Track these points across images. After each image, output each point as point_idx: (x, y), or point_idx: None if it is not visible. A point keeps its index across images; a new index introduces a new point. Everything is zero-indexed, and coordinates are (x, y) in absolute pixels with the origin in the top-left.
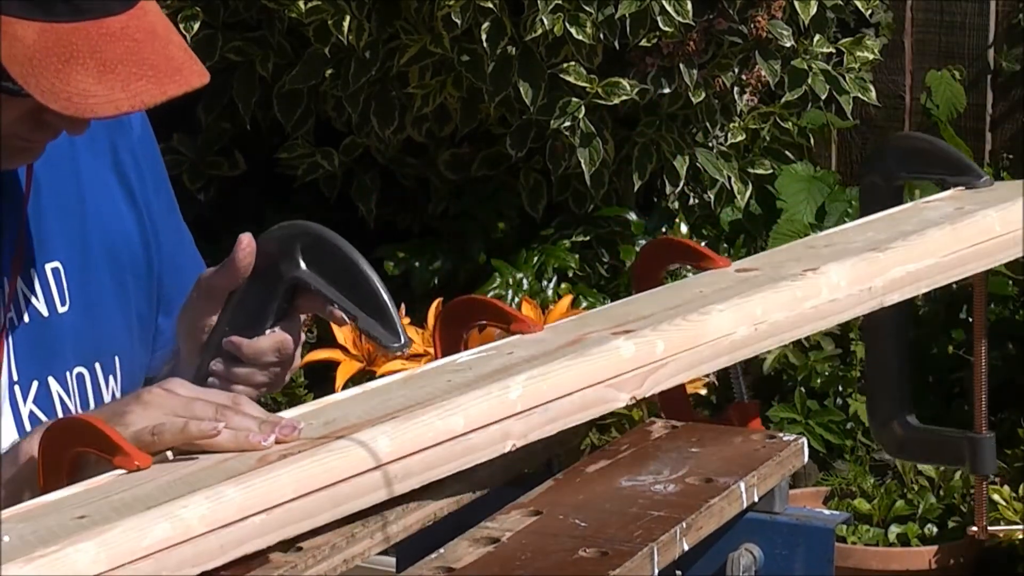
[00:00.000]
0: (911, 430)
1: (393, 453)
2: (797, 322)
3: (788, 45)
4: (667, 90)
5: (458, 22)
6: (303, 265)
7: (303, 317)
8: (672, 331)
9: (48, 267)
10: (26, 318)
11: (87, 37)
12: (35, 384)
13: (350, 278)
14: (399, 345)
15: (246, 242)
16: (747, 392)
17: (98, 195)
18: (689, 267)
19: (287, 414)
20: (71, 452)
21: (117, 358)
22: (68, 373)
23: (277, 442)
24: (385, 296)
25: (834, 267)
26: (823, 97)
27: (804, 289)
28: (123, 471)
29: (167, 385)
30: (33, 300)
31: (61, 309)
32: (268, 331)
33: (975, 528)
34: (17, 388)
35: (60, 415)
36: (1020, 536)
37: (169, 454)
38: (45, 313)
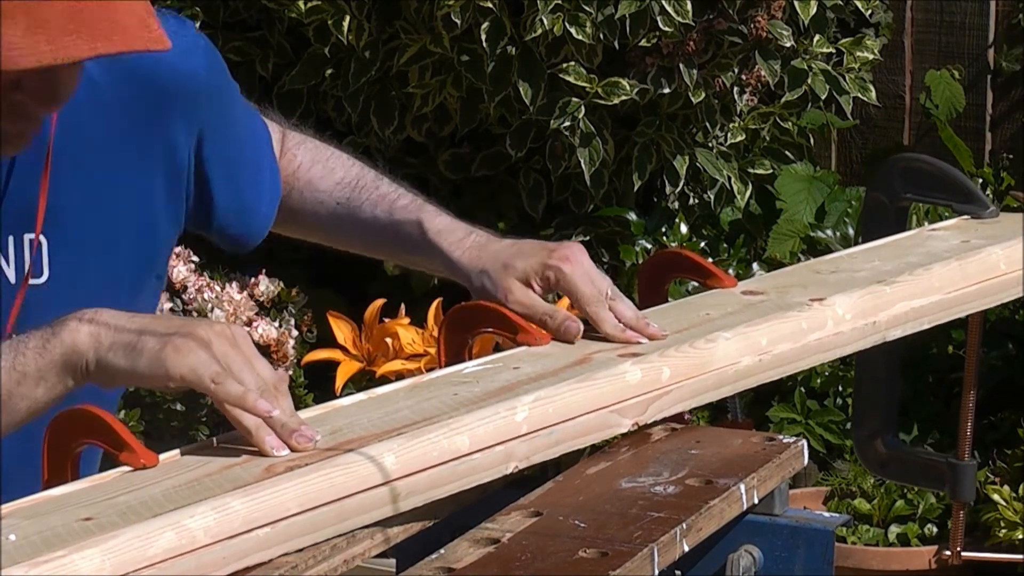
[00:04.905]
0: (894, 450)
1: (399, 471)
2: (801, 354)
3: (788, 45)
4: (667, 90)
5: (458, 22)
6: None
7: None
8: (679, 357)
9: (26, 237)
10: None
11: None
12: None
13: None
14: None
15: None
16: (741, 413)
17: (133, 192)
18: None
19: None
20: (78, 443)
21: None
22: None
23: (291, 449)
24: None
25: (840, 299)
26: (823, 97)
27: (810, 320)
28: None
29: (234, 332)
30: (3, 266)
31: (35, 280)
32: None
33: (948, 552)
34: None
35: None
36: (1020, 537)
37: (177, 452)
38: (12, 280)
